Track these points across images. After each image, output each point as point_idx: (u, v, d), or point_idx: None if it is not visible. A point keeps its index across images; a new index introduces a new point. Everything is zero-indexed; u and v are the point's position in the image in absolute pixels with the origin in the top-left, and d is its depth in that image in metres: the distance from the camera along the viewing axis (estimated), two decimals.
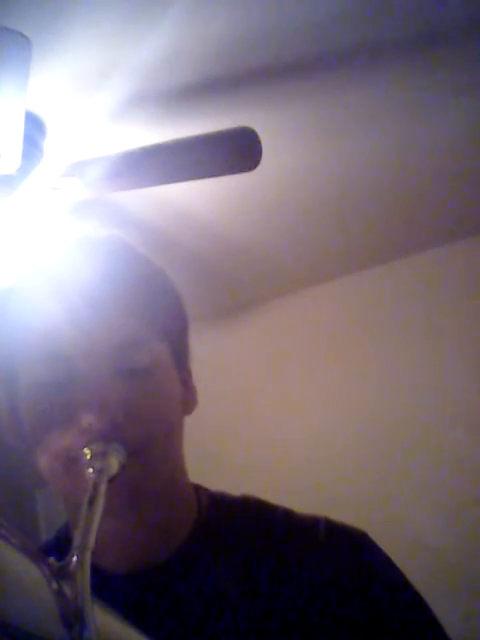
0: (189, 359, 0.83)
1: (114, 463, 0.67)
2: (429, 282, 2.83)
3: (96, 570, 0.55)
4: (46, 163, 1.80)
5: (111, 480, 0.66)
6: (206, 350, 2.60)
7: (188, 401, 0.81)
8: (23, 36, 1.29)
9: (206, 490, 0.85)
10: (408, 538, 2.39)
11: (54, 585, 0.50)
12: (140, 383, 0.73)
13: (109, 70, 1.65)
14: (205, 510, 0.81)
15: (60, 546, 0.79)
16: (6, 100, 1.41)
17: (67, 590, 0.51)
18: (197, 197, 2.24)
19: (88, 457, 0.67)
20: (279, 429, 2.89)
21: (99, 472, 0.65)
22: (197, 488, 0.84)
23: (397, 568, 0.81)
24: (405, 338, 2.82)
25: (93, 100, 1.73)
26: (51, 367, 0.72)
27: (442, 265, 2.80)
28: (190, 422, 0.82)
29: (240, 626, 0.73)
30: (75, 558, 0.54)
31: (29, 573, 0.50)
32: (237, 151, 1.70)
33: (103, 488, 0.63)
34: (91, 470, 0.66)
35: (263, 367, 3.04)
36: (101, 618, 0.53)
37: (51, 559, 0.53)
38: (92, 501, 0.61)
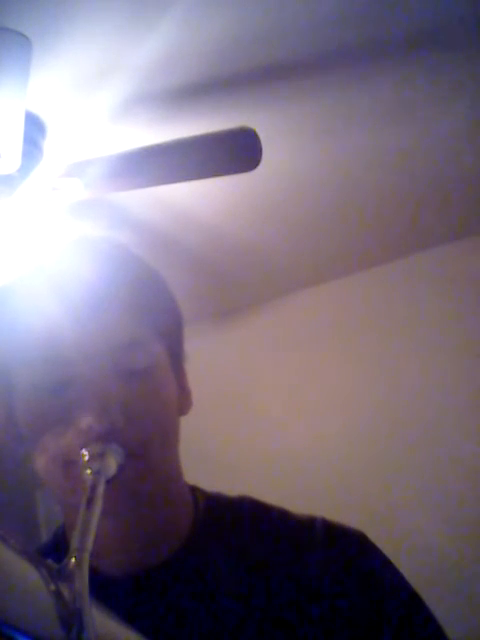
0: (184, 360, 0.83)
1: (112, 464, 0.67)
2: (430, 282, 2.82)
3: (94, 572, 0.55)
4: (46, 163, 1.80)
5: (109, 481, 0.66)
6: (206, 350, 2.61)
7: (183, 402, 0.81)
8: (23, 36, 1.30)
9: (203, 491, 0.85)
10: (408, 538, 2.38)
11: (52, 587, 0.50)
12: (139, 384, 0.73)
13: (109, 70, 1.65)
14: (202, 511, 0.81)
15: (58, 548, 0.79)
16: (6, 100, 1.41)
17: (65, 592, 0.51)
18: (197, 197, 2.24)
19: (86, 459, 0.67)
20: (278, 429, 2.89)
21: (97, 473, 0.65)
22: (194, 489, 0.84)
23: (396, 568, 0.81)
24: (406, 338, 2.82)
25: (93, 100, 1.73)
26: (50, 368, 0.72)
27: (442, 265, 2.80)
28: (189, 422, 0.82)
29: (238, 627, 0.73)
30: (73, 560, 0.54)
31: (27, 575, 0.50)
32: (237, 151, 1.69)
33: (101, 489, 0.63)
34: (89, 471, 0.66)
35: (263, 367, 3.04)
36: (100, 620, 0.53)
37: (49, 561, 0.52)
38: (90, 502, 0.61)
